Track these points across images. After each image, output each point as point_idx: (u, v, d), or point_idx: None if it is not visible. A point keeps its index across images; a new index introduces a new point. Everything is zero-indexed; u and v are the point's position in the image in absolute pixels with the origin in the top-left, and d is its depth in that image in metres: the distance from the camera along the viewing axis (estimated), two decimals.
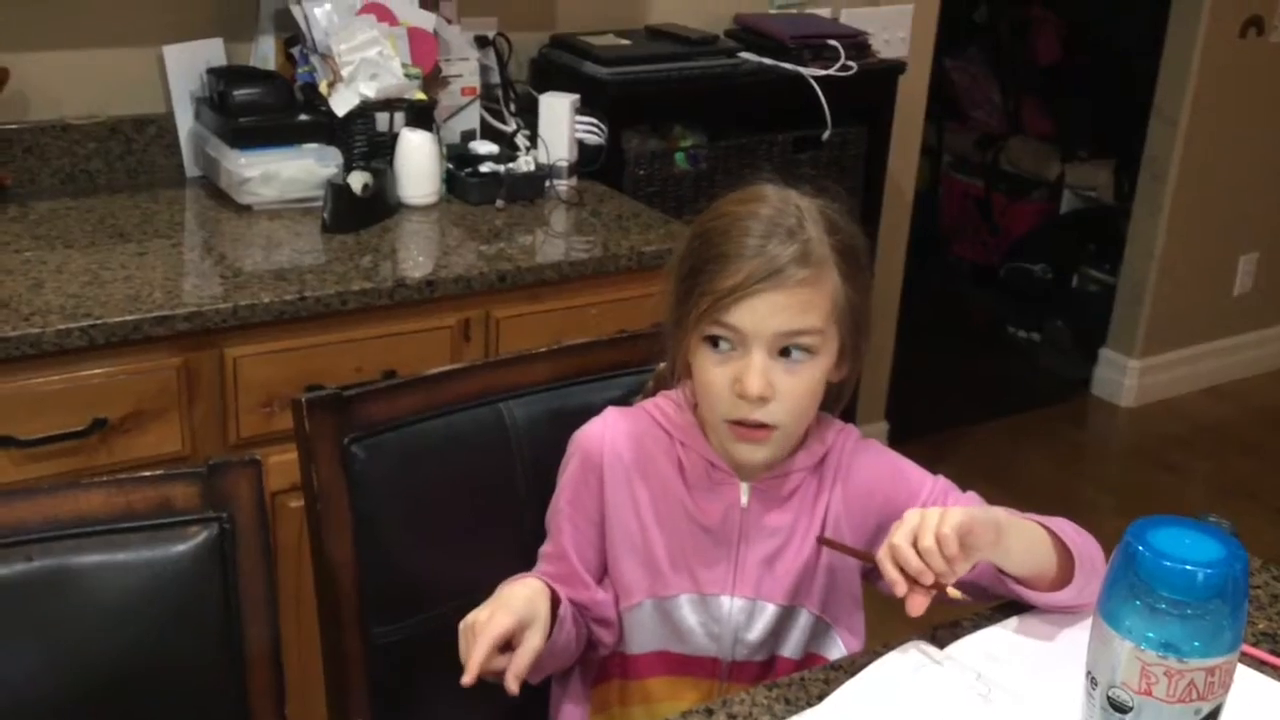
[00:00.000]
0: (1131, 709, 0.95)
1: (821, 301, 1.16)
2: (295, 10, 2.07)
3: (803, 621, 1.26)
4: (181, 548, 1.06)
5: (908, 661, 1.11)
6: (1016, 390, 3.85)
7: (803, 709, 1.07)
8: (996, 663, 1.12)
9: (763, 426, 1.17)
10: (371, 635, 1.23)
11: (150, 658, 1.05)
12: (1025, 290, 4.31)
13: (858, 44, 2.56)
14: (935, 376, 3.75)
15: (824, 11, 2.74)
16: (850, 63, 2.49)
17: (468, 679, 1.06)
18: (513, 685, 1.08)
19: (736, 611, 1.24)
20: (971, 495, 1.25)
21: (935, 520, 1.05)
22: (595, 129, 2.24)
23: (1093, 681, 0.98)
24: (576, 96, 2.23)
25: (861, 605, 1.28)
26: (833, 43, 2.50)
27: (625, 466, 1.24)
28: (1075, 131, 4.38)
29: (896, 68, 2.67)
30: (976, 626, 1.19)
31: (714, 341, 1.16)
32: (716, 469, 1.24)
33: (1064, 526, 1.18)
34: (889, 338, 3.17)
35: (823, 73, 2.46)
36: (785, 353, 1.15)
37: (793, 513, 1.24)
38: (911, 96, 2.87)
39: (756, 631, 1.25)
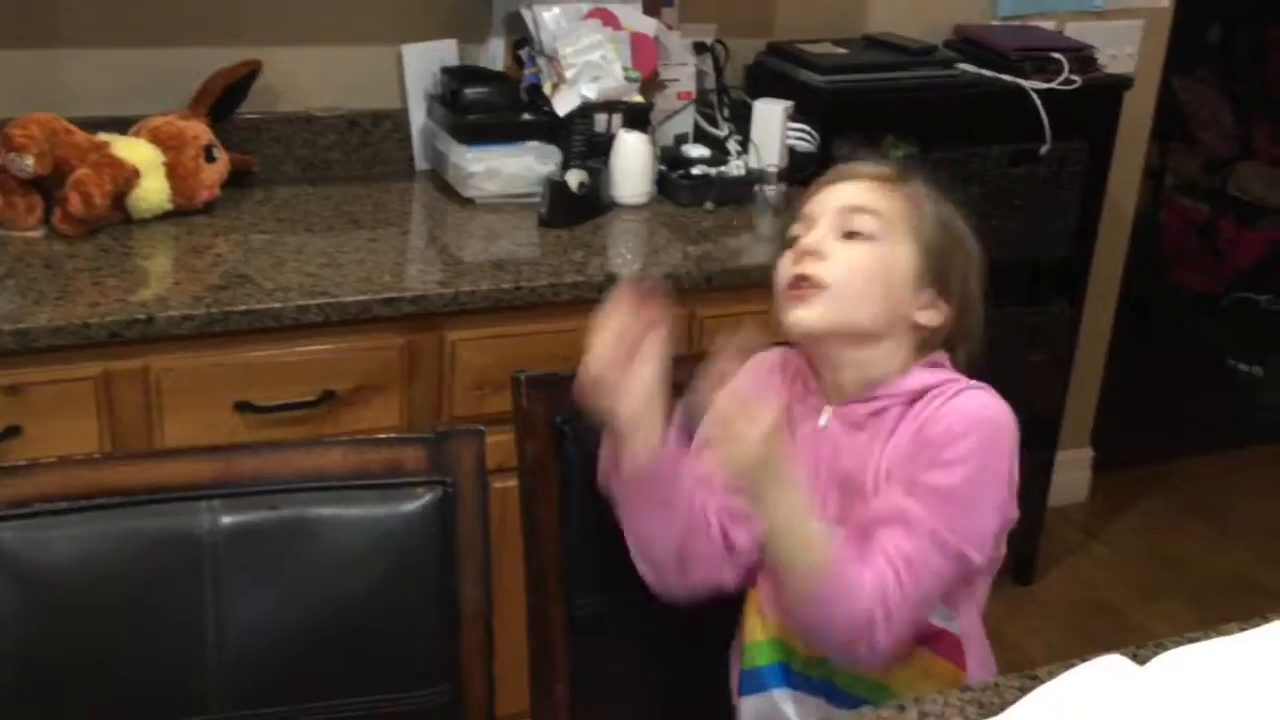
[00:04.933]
0: None
1: (892, 198, 1.23)
2: (525, 14, 2.16)
3: None
4: (409, 507, 1.13)
5: (1104, 674, 1.09)
6: (1234, 425, 3.66)
7: (995, 713, 1.06)
8: (1200, 681, 1.09)
9: (808, 281, 1.20)
10: (573, 605, 1.28)
11: (374, 607, 1.13)
12: (1249, 321, 4.10)
13: (1082, 58, 2.50)
14: (1147, 405, 3.60)
15: (1048, 24, 2.68)
16: (1074, 76, 2.43)
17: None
18: None
19: None
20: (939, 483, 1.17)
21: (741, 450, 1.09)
22: (807, 136, 2.26)
23: None
24: (790, 103, 2.25)
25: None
26: (1056, 56, 2.45)
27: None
28: None
29: (1123, 83, 2.59)
30: (1178, 644, 1.15)
31: (792, 242, 1.25)
32: (809, 391, 1.27)
33: (848, 572, 1.13)
34: (1099, 362, 3.07)
35: (1044, 86, 2.41)
36: (849, 236, 1.22)
37: (867, 439, 1.22)
38: (1137, 114, 2.77)
39: None
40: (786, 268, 1.24)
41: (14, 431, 1.61)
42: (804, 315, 1.21)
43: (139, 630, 1.07)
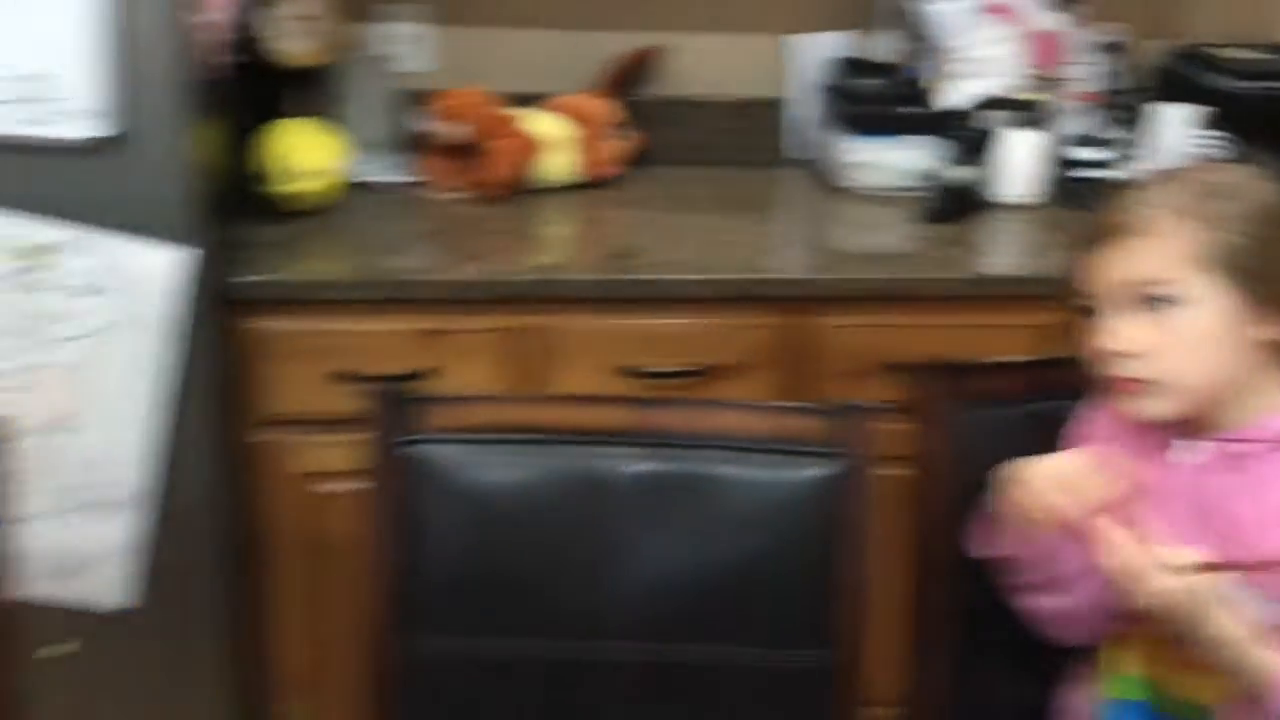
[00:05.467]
0: None
1: (1165, 248, 1.13)
2: (916, 7, 2.15)
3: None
4: (802, 475, 1.17)
5: None
6: None
7: None
8: None
9: (1136, 383, 1.15)
10: (956, 596, 1.28)
11: (762, 568, 1.18)
12: None
13: None
14: None
15: None
16: None
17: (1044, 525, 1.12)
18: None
19: None
20: None
21: (1171, 579, 1.05)
22: (1219, 144, 2.13)
23: None
24: (1197, 108, 2.13)
25: None
26: None
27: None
28: None
29: None
30: None
31: (1086, 312, 1.19)
32: (1160, 427, 1.19)
33: None
34: None
35: None
36: (1150, 304, 1.14)
37: (1244, 481, 1.14)
38: None
39: None
40: (1100, 357, 1.18)
41: (434, 371, 1.77)
42: (1147, 408, 1.17)
43: (552, 555, 1.17)
